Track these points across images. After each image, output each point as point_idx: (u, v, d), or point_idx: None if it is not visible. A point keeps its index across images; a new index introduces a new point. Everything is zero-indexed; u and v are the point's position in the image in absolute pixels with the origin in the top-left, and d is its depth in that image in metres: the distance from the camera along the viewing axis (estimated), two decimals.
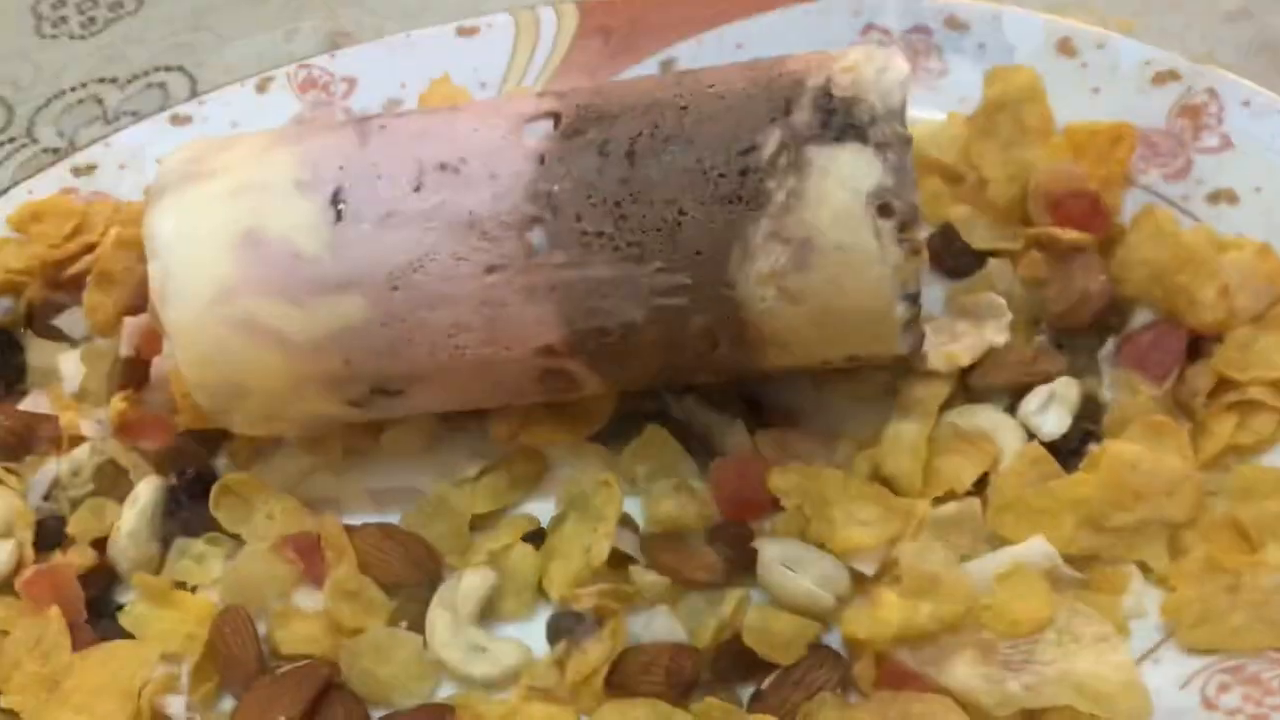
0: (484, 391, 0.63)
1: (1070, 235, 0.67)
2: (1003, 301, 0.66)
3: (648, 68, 0.82)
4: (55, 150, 0.96)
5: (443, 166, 0.59)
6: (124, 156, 0.84)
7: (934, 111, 0.77)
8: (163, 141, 0.84)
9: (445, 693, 0.61)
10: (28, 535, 0.66)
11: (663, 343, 0.59)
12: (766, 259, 0.57)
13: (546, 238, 0.58)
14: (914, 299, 0.58)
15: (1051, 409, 0.62)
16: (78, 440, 0.71)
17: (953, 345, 0.64)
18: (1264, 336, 0.61)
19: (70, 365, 0.73)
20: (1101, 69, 0.75)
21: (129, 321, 0.72)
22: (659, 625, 0.60)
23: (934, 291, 0.70)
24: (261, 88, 0.86)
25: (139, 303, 0.75)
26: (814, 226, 0.56)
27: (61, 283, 0.78)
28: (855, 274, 0.57)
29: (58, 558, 0.66)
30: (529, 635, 0.62)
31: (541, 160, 0.58)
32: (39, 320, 0.77)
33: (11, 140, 0.98)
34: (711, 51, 0.80)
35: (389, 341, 0.59)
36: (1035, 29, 0.77)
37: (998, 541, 0.59)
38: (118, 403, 0.69)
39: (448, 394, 0.63)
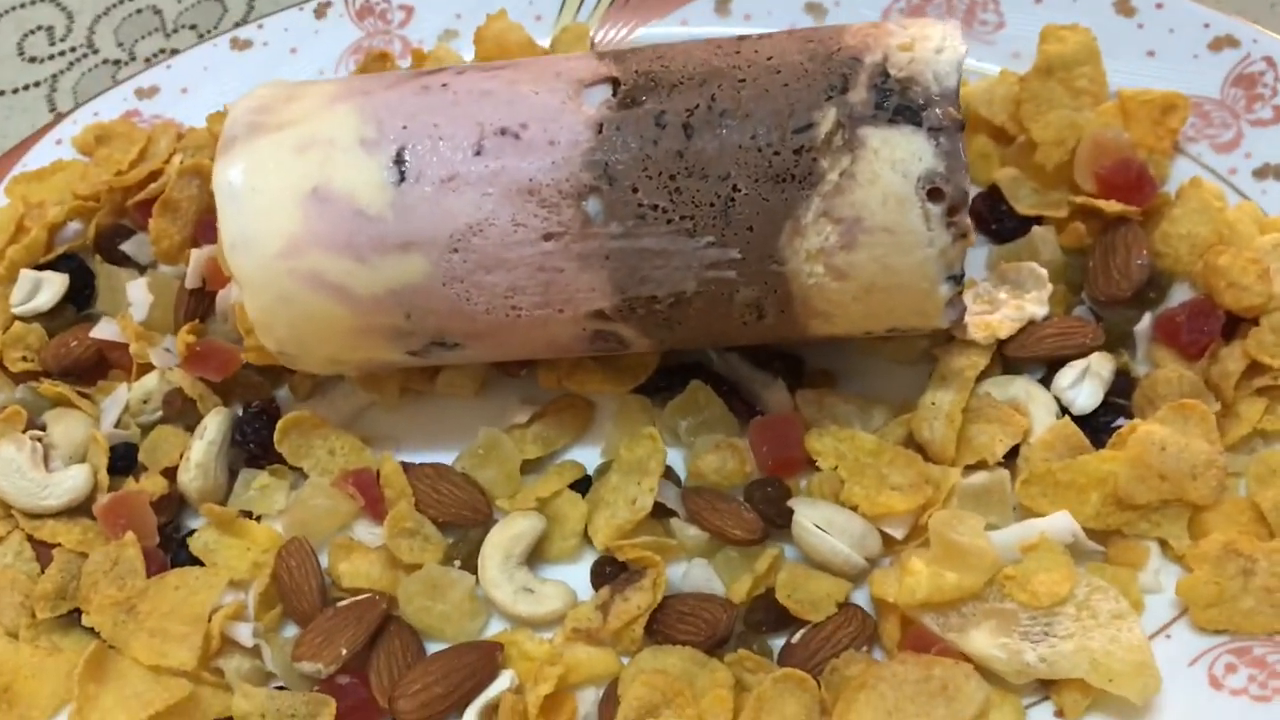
0: (536, 347, 0.65)
1: (1114, 207, 0.68)
2: (1044, 272, 0.67)
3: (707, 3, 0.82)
4: (116, 62, 0.98)
5: (503, 131, 0.61)
6: (186, 80, 0.86)
7: (989, 65, 0.77)
8: (223, 66, 0.86)
9: (495, 629, 0.65)
10: (102, 461, 0.70)
11: (711, 311, 0.62)
12: (816, 237, 0.58)
13: (603, 207, 0.59)
14: (958, 279, 0.59)
15: (1084, 384, 0.64)
16: (147, 368, 0.74)
17: (992, 315, 0.66)
18: None
19: (138, 293, 0.76)
20: (1159, 30, 0.74)
21: (195, 253, 0.75)
22: (697, 576, 0.63)
23: (977, 253, 0.72)
24: (320, 13, 0.87)
25: (204, 231, 0.78)
26: (864, 207, 0.58)
27: (128, 209, 0.80)
28: (902, 255, 0.58)
29: (131, 484, 0.70)
30: (574, 578, 0.65)
31: (600, 129, 0.60)
32: (107, 245, 0.79)
33: (72, 50, 0.99)
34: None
35: (448, 300, 0.62)
36: None
37: (1025, 513, 0.62)
38: (184, 335, 0.72)
39: (502, 348, 0.65)
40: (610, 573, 0.64)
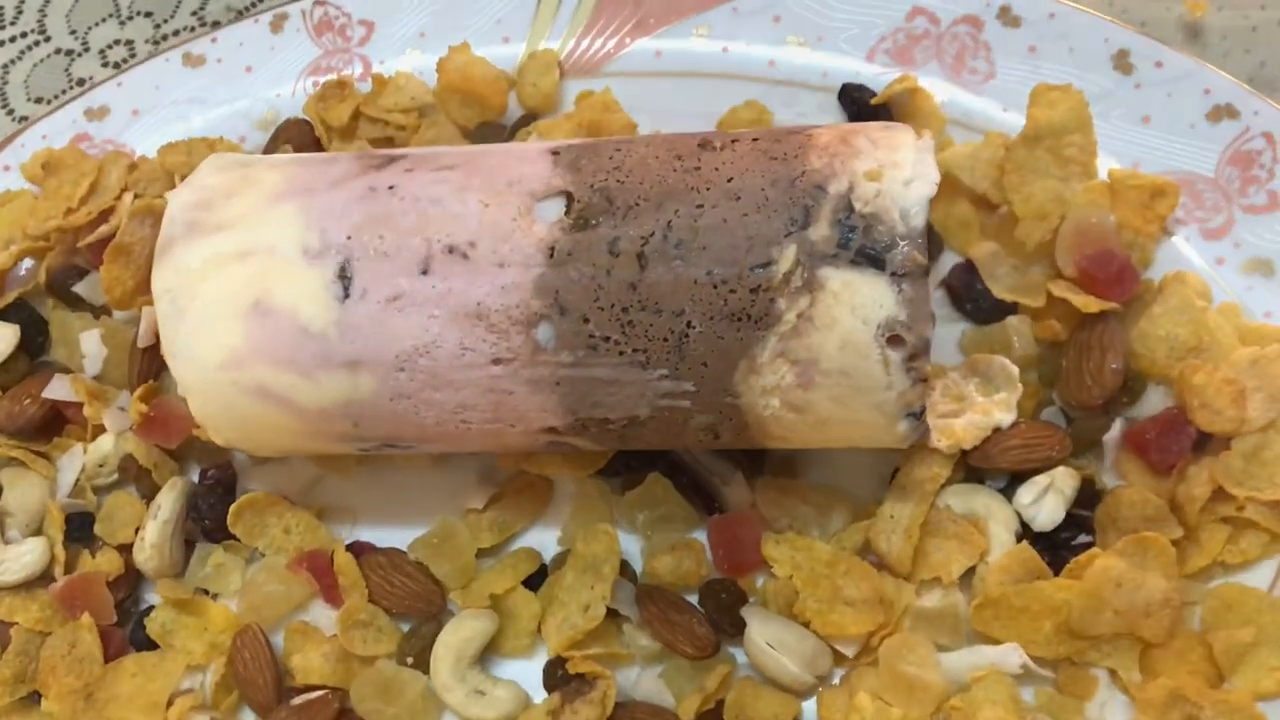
0: (490, 447, 0.64)
1: (1092, 306, 0.65)
2: (1015, 372, 0.65)
3: (683, 30, 0.78)
4: (69, 52, 0.93)
5: (451, 249, 0.58)
6: (137, 99, 0.82)
7: (979, 114, 0.73)
8: (176, 84, 0.82)
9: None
10: (58, 534, 0.70)
11: (665, 431, 0.60)
12: (772, 375, 0.57)
13: (553, 335, 0.57)
14: (917, 416, 0.58)
15: (1046, 501, 0.63)
16: (102, 428, 0.73)
17: (957, 421, 0.64)
18: (1270, 448, 0.61)
19: (91, 345, 0.74)
20: (1157, 93, 0.70)
21: (147, 312, 0.73)
22: (647, 686, 0.64)
23: (950, 330, 0.70)
24: (276, 27, 0.82)
25: None
26: (821, 350, 0.56)
27: (79, 249, 0.78)
28: (859, 396, 0.56)
29: (87, 561, 0.70)
30: (527, 674, 0.66)
31: (551, 253, 0.57)
32: (59, 287, 0.77)
33: (23, 35, 0.95)
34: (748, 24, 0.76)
35: (396, 413, 0.60)
36: (1094, 36, 0.72)
37: (977, 636, 0.62)
38: (136, 403, 0.70)
39: (455, 448, 0.64)
40: (562, 676, 0.64)
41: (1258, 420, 0.61)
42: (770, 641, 0.62)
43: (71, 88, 0.92)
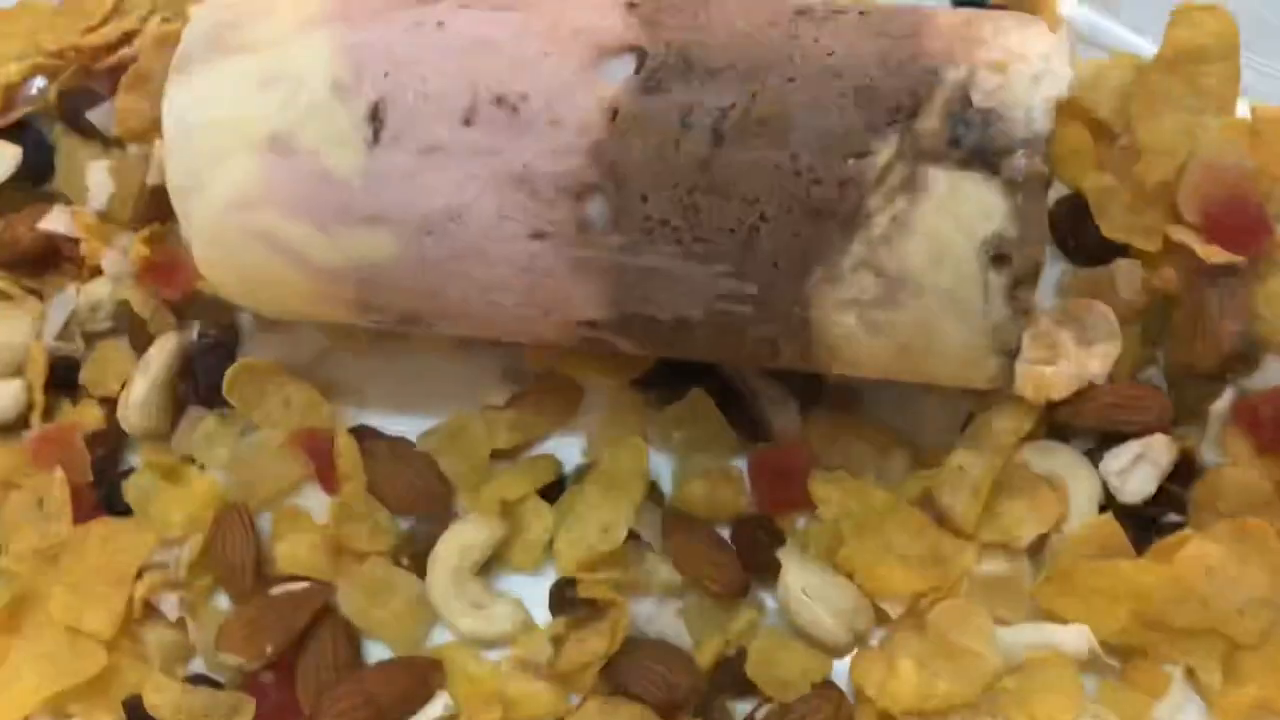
0: (518, 336, 0.57)
1: (1217, 256, 0.57)
2: (1116, 324, 0.57)
3: None
4: None
5: (500, 100, 0.51)
6: None
7: (1109, 33, 0.65)
8: None
9: (440, 637, 0.59)
10: (39, 378, 0.64)
11: (718, 340, 0.53)
12: (851, 287, 0.49)
13: (605, 213, 0.50)
14: (1012, 355, 0.50)
15: (1137, 470, 0.55)
16: (100, 269, 0.66)
17: (1048, 369, 0.56)
18: None
19: (98, 176, 0.68)
20: None
21: (160, 147, 0.66)
22: (664, 622, 0.57)
23: (1049, 271, 0.62)
24: None
25: None
26: (914, 263, 0.48)
27: (97, 72, 0.71)
28: (950, 322, 0.49)
29: (68, 411, 0.64)
30: (532, 591, 0.59)
31: (614, 116, 0.50)
32: (71, 113, 0.70)
33: None
34: None
35: (418, 283, 0.53)
36: None
37: (1041, 613, 0.54)
38: (139, 245, 0.64)
39: (479, 332, 0.57)
40: (570, 598, 0.57)
41: None
42: (807, 589, 0.55)
43: None
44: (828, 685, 0.55)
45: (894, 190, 0.47)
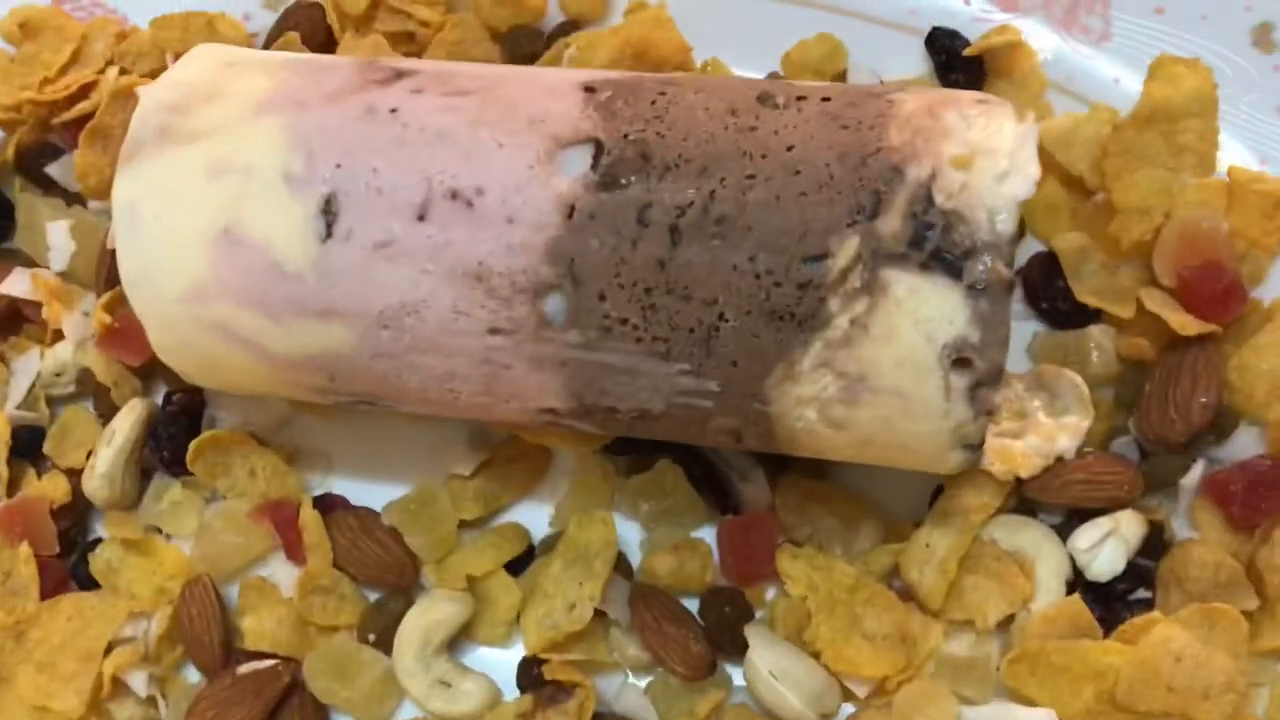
0: (480, 417, 0.56)
1: (1190, 328, 0.56)
2: (1087, 394, 0.57)
3: None
4: None
5: (454, 194, 0.49)
6: None
7: (1086, 80, 0.63)
8: None
9: (407, 712, 0.59)
10: (2, 449, 0.63)
11: (680, 430, 0.52)
12: (812, 385, 0.48)
13: (563, 310, 0.49)
14: (975, 448, 0.50)
15: (1106, 547, 0.55)
16: (62, 334, 0.65)
17: (1016, 442, 0.56)
18: None
19: (59, 237, 0.67)
20: None
21: None
22: (631, 700, 0.57)
23: (1021, 331, 0.61)
24: None
25: None
26: (874, 365, 0.47)
27: (55, 126, 0.69)
28: (911, 421, 0.48)
29: (32, 482, 0.63)
30: (500, 665, 0.59)
31: (570, 213, 0.48)
32: (29, 167, 0.69)
33: None
34: None
35: (376, 373, 0.53)
36: (1233, 2, 0.62)
37: (1006, 692, 0.54)
38: (100, 312, 0.63)
39: (441, 413, 0.56)
40: (538, 676, 0.57)
41: None
42: (774, 671, 0.55)
43: None
44: None
45: (854, 292, 0.47)
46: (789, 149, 0.48)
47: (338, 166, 0.51)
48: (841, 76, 0.66)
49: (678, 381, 0.49)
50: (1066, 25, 0.64)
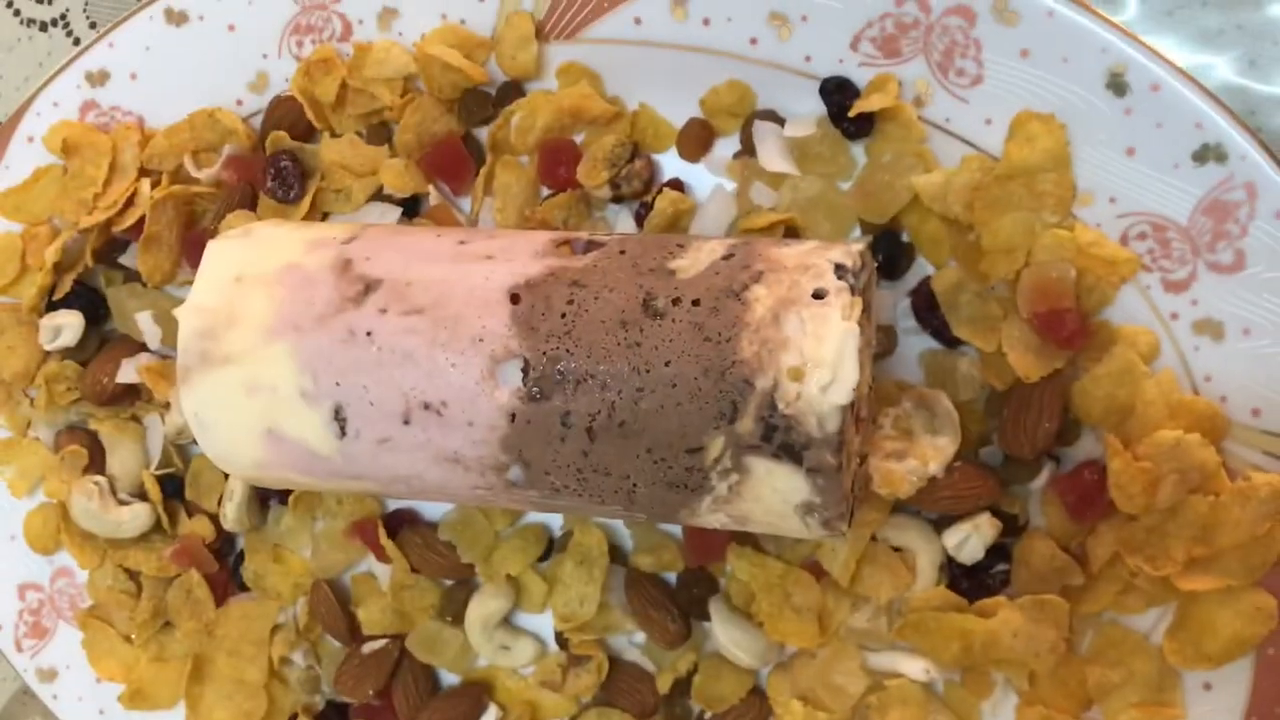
0: None
1: (1033, 375, 0.69)
2: (957, 420, 0.71)
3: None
4: None
5: (426, 406, 0.65)
6: (131, 62, 0.84)
7: (962, 124, 0.71)
8: (164, 45, 0.83)
9: (484, 662, 0.83)
10: (157, 498, 0.85)
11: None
12: (711, 517, 0.65)
13: (522, 477, 0.66)
14: (840, 531, 0.66)
15: (969, 542, 0.72)
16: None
17: (897, 467, 0.72)
18: (1168, 529, 0.68)
19: (147, 324, 0.84)
20: (1146, 122, 0.67)
21: None
22: (633, 655, 0.79)
23: (914, 342, 0.74)
24: None
25: (190, 250, 0.83)
26: (750, 512, 0.64)
27: (117, 235, 0.85)
28: (786, 530, 0.65)
29: (184, 520, 0.85)
30: (545, 621, 0.82)
31: (513, 418, 0.64)
32: (106, 260, 0.85)
33: None
34: None
35: (402, 497, 0.71)
36: (1091, 45, 0.67)
37: (896, 648, 0.75)
38: None
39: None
40: (566, 641, 0.80)
41: (1164, 503, 0.67)
42: (729, 638, 0.76)
43: None
44: (752, 693, 0.78)
45: (726, 470, 0.62)
46: (666, 364, 0.62)
47: (337, 384, 0.66)
48: (751, 119, 0.75)
49: (614, 512, 0.67)
50: (943, 70, 0.70)
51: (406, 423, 0.66)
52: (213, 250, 0.71)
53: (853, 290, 0.62)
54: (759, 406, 0.60)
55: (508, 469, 0.66)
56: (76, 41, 0.91)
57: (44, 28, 0.91)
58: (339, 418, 0.67)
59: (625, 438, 0.63)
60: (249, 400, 0.68)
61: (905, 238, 0.74)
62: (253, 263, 0.70)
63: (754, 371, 0.60)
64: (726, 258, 0.64)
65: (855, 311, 0.61)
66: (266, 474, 0.71)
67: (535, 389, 0.63)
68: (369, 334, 0.66)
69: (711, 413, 0.61)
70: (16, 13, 0.91)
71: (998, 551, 0.73)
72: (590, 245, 0.68)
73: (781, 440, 0.60)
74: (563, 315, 0.64)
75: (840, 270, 0.62)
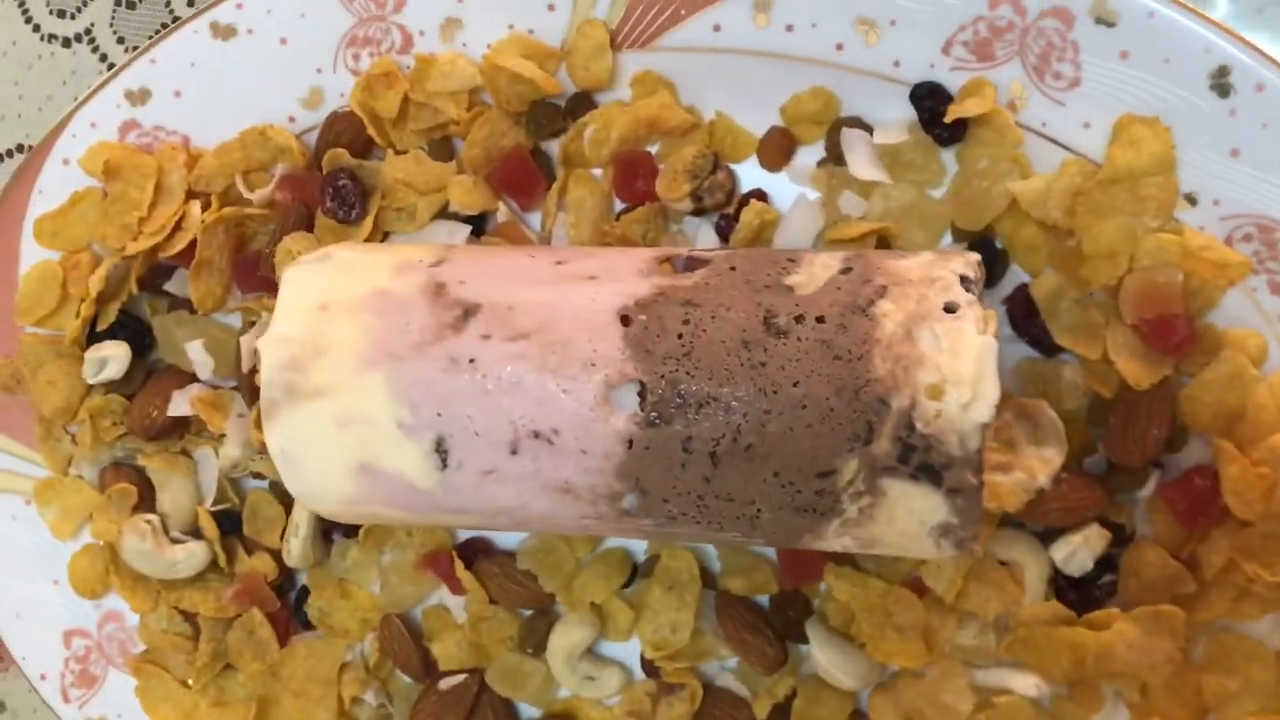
0: None
1: (1143, 382, 0.68)
2: (1062, 430, 0.69)
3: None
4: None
5: (536, 435, 0.62)
6: (175, 79, 0.79)
7: (1059, 128, 0.69)
8: (210, 59, 0.79)
9: (566, 693, 0.80)
10: (214, 536, 0.81)
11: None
12: (836, 541, 0.63)
13: (637, 505, 0.63)
14: (972, 550, 0.64)
15: (1078, 555, 0.71)
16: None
17: (1004, 481, 0.70)
18: None
19: (198, 353, 0.80)
20: (1251, 123, 0.67)
21: (244, 341, 0.78)
22: (727, 680, 0.77)
23: (1010, 349, 0.73)
24: None
25: (241, 273, 0.80)
26: (881, 536, 0.62)
27: (163, 260, 0.81)
28: (915, 554, 0.63)
29: (243, 558, 0.82)
30: (630, 649, 0.79)
31: (630, 444, 0.61)
32: (151, 287, 0.81)
33: None
34: None
35: (499, 528, 0.68)
36: (1193, 45, 0.66)
37: (1003, 664, 0.73)
38: (256, 433, 0.78)
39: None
40: (657, 669, 0.77)
41: None
42: (830, 661, 0.74)
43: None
44: (853, 716, 0.76)
45: (859, 493, 0.60)
46: (794, 385, 0.59)
47: (438, 415, 0.63)
48: (836, 126, 0.73)
49: (733, 539, 0.64)
50: (1039, 74, 0.69)
51: (514, 452, 0.63)
52: (291, 277, 0.67)
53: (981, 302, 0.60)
54: (896, 426, 0.58)
55: (622, 498, 0.63)
56: (103, 58, 0.86)
57: (67, 44, 0.86)
58: (440, 449, 0.64)
59: (751, 462, 0.60)
60: (341, 434, 0.65)
61: (998, 244, 0.72)
62: (336, 289, 0.66)
63: (889, 390, 0.58)
64: (844, 272, 0.62)
65: (990, 325, 0.59)
66: (356, 509, 0.67)
67: (654, 414, 0.61)
68: (472, 361, 0.63)
69: (845, 434, 0.59)
70: (36, 28, 0.86)
71: (1103, 562, 0.72)
72: (691, 262, 0.66)
73: (920, 461, 0.59)
74: (679, 336, 0.61)
75: (964, 282, 0.61)
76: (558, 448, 0.62)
